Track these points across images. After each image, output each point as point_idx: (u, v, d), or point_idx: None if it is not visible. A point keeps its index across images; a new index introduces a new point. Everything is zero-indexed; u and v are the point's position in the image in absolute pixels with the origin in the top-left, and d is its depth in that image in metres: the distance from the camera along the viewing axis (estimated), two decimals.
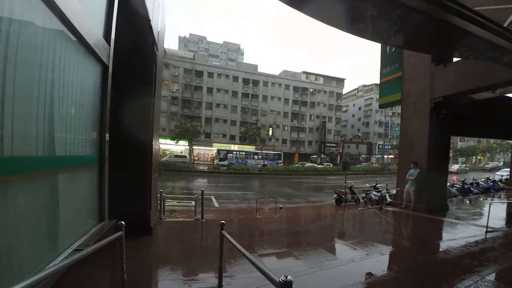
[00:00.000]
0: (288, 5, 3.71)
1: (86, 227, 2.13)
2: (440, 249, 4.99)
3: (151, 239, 4.59)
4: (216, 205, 9.74)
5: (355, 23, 4.52)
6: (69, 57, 1.75)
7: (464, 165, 41.41)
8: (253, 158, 31.65)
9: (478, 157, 53.60)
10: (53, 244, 1.65)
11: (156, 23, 4.54)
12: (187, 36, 77.01)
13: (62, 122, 1.72)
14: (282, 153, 35.79)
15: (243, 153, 32.34)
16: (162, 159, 27.42)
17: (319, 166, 33.38)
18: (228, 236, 2.58)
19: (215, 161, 31.18)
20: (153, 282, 3.25)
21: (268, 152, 32.87)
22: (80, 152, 2.03)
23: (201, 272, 3.43)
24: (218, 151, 31.89)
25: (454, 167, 36.01)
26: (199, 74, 41.78)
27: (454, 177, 20.93)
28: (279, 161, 32.85)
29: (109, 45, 2.37)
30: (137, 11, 3.51)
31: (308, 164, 33.95)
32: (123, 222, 2.38)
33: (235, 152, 32.23)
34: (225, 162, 28.95)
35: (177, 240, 4.91)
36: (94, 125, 2.26)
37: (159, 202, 6.19)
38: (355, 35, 5.08)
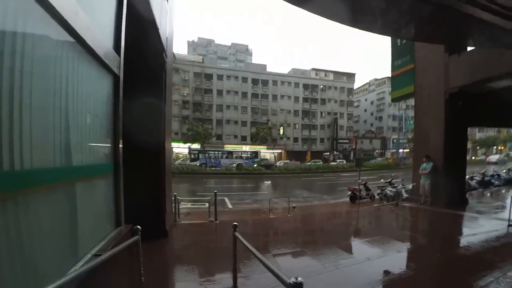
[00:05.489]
0: (290, 3, 3.72)
1: (104, 233, 2.22)
2: (460, 245, 4.82)
3: (166, 242, 4.70)
4: (230, 206, 9.83)
5: (362, 15, 4.45)
6: (82, 70, 1.83)
7: (502, 155, 39.60)
8: (228, 158, 30.63)
9: (499, 148, 51.13)
10: (74, 250, 1.73)
11: (164, 30, 4.63)
12: (196, 40, 77.92)
13: (78, 132, 1.80)
14: (259, 151, 34.24)
15: (218, 152, 31.59)
16: (176, 162, 27.76)
17: (320, 163, 32.37)
18: (241, 238, 2.61)
19: (187, 162, 30.04)
20: (170, 283, 3.34)
21: (244, 151, 31.83)
22: (96, 161, 2.12)
23: (217, 273, 3.49)
24: (189, 151, 31.13)
25: (494, 158, 34.97)
26: (209, 77, 42.20)
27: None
28: (256, 159, 31.52)
29: (119, 55, 2.46)
30: (145, 21, 3.59)
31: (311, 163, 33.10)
32: (139, 227, 2.46)
33: (209, 152, 31.27)
34: (197, 163, 28.30)
35: (193, 242, 4.99)
36: (108, 134, 2.35)
37: (173, 205, 6.31)
38: (363, 29, 5.00)
